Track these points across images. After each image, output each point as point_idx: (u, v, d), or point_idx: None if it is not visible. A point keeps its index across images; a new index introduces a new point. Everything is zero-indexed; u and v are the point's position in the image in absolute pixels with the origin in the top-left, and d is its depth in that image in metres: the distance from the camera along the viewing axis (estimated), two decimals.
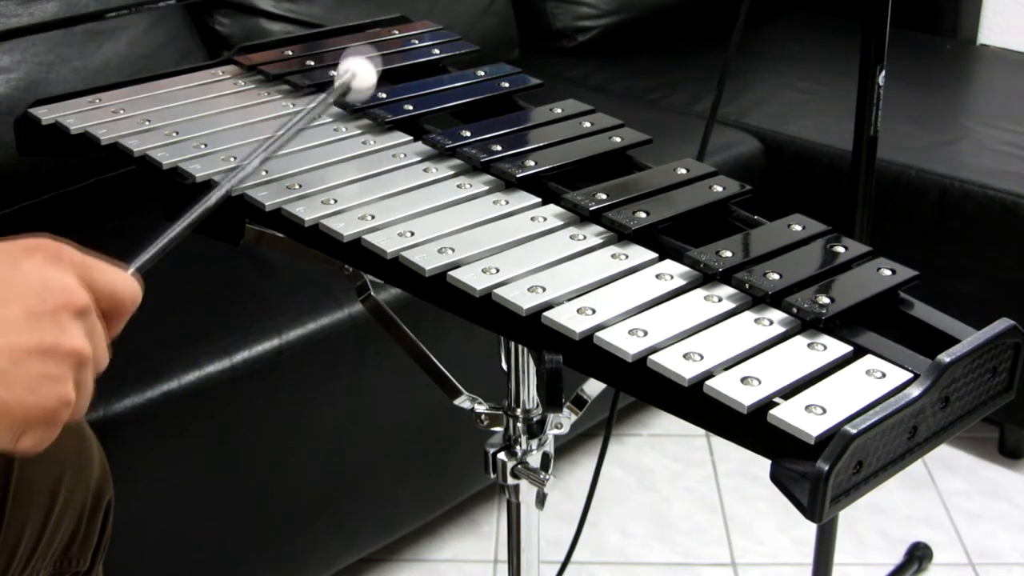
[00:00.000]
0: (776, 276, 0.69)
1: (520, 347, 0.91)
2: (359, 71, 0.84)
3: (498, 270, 0.71)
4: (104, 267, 0.58)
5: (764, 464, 0.59)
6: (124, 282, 0.59)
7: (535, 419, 0.94)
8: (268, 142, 0.77)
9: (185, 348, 1.30)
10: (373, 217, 0.77)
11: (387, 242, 0.75)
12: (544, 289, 0.69)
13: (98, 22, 0.96)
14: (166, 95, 0.98)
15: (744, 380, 0.61)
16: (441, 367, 0.97)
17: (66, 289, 0.55)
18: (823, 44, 2.47)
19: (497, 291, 0.70)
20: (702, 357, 0.63)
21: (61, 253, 0.56)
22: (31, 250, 0.56)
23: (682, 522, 1.81)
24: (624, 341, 0.64)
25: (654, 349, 0.64)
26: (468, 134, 0.88)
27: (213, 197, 0.71)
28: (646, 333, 0.65)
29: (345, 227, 0.76)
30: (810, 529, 1.60)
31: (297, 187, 0.81)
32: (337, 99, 0.84)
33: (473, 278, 0.71)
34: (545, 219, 0.78)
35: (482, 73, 1.01)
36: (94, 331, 0.57)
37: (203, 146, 0.88)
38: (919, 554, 1.71)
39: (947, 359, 0.61)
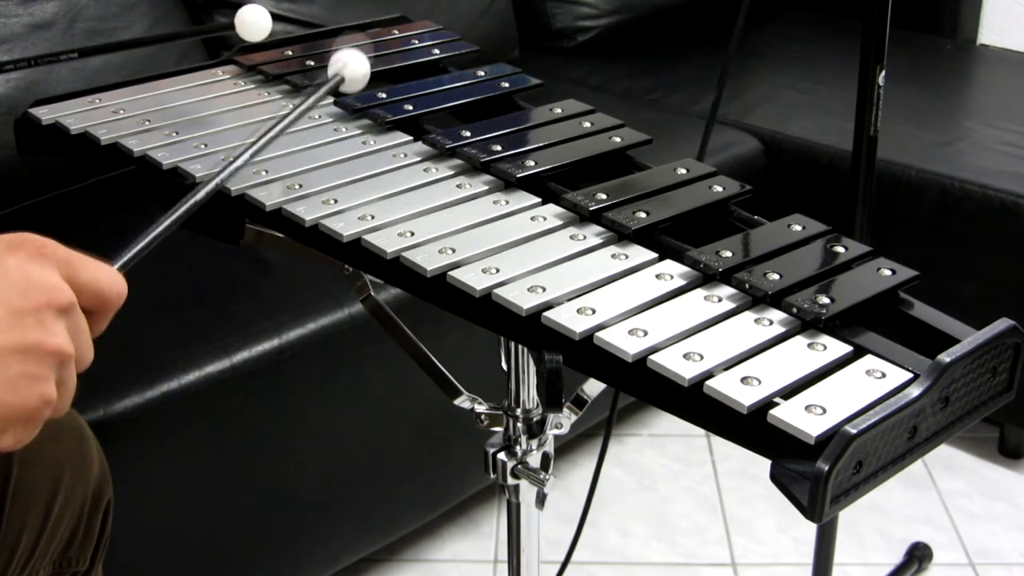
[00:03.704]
0: (776, 276, 0.69)
1: (520, 347, 0.91)
2: (351, 62, 0.85)
3: (498, 270, 0.71)
4: (88, 263, 0.57)
5: (764, 464, 0.59)
6: (109, 278, 0.58)
7: (535, 419, 0.94)
8: (258, 136, 0.76)
9: (185, 348, 1.30)
10: (373, 217, 0.77)
11: (387, 242, 0.75)
12: (544, 289, 0.69)
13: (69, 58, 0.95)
14: (166, 95, 0.98)
15: (744, 380, 0.61)
16: (441, 367, 0.97)
17: (49, 286, 0.54)
18: (823, 44, 2.47)
19: (497, 291, 0.70)
20: (702, 357, 0.63)
21: (44, 249, 0.55)
22: (14, 247, 0.55)
23: (682, 522, 1.81)
24: (624, 341, 0.64)
25: (654, 349, 0.64)
26: (468, 134, 0.88)
27: (201, 192, 0.69)
28: (646, 333, 0.65)
29: (345, 227, 0.76)
30: (810, 529, 1.60)
31: (297, 187, 0.81)
32: (330, 92, 0.84)
33: (473, 278, 0.71)
34: (545, 219, 0.78)
35: (482, 73, 1.01)
36: (77, 328, 0.56)
37: (203, 146, 0.88)
38: (919, 554, 1.71)
39: (947, 359, 0.61)
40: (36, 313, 0.54)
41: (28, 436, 0.55)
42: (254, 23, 0.98)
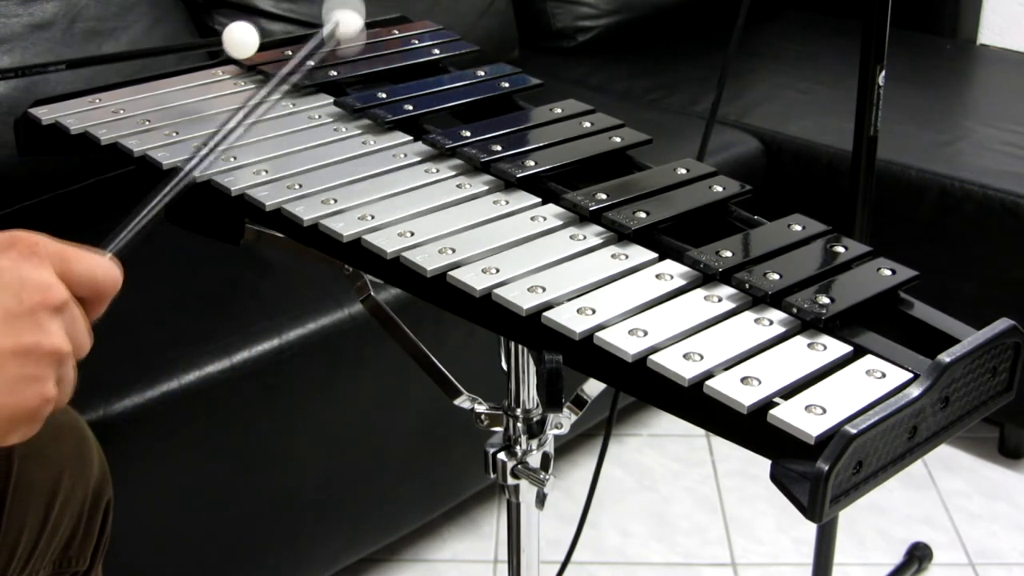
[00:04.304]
0: (776, 276, 0.69)
1: (520, 347, 0.91)
2: (342, 19, 0.84)
3: (498, 270, 0.71)
4: (82, 255, 0.57)
5: (764, 464, 0.59)
6: (103, 267, 0.58)
7: (535, 419, 0.94)
8: (246, 109, 0.75)
9: (185, 348, 1.30)
10: (373, 217, 0.77)
11: (387, 242, 0.75)
12: (544, 289, 0.69)
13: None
14: (166, 95, 0.98)
15: (744, 380, 0.61)
16: (441, 367, 0.97)
17: (43, 286, 0.55)
18: (823, 44, 2.47)
19: (497, 291, 0.70)
20: (702, 357, 0.63)
21: (36, 247, 0.56)
22: (6, 247, 0.55)
23: (682, 522, 1.81)
24: (624, 341, 0.65)
25: (654, 349, 0.64)
26: (468, 134, 0.88)
27: (197, 158, 0.69)
28: (646, 333, 0.65)
29: (345, 227, 0.76)
30: (810, 529, 1.60)
31: (297, 187, 0.81)
32: (318, 50, 0.82)
33: (473, 278, 0.71)
34: (545, 219, 0.78)
35: (482, 73, 1.01)
36: (74, 322, 0.56)
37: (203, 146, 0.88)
38: (919, 554, 1.71)
39: (947, 359, 0.61)
40: (32, 314, 0.54)
41: (31, 432, 0.55)
42: (241, 41, 0.98)
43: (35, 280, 0.55)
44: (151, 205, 0.65)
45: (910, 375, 0.62)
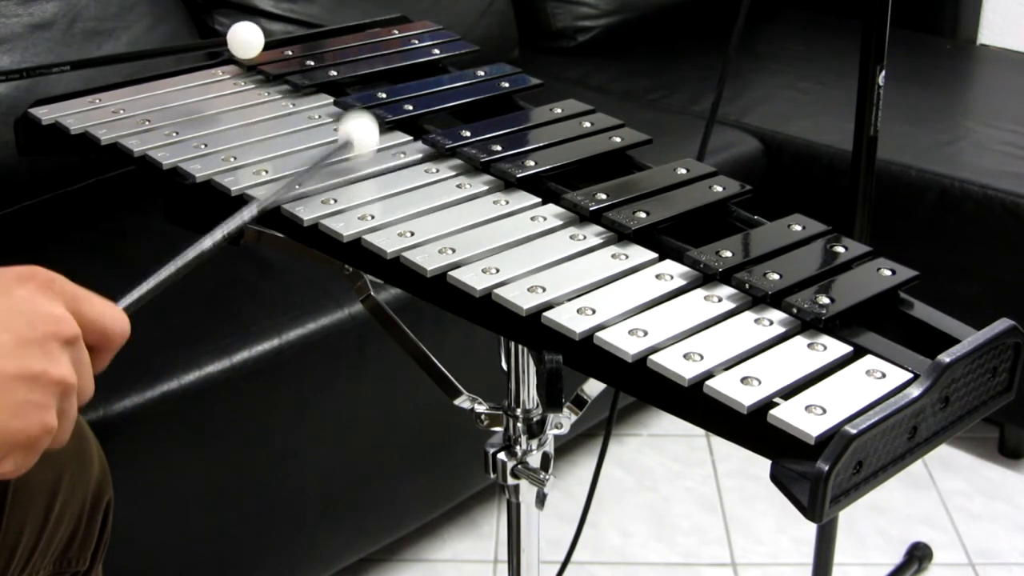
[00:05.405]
0: (776, 276, 0.69)
1: (520, 347, 0.91)
2: (360, 137, 0.83)
3: (498, 270, 0.71)
4: (94, 300, 0.59)
5: (764, 464, 0.59)
6: (113, 316, 0.60)
7: (535, 419, 0.94)
8: (271, 194, 0.75)
9: (185, 348, 1.30)
10: (373, 217, 0.77)
11: (387, 242, 0.75)
12: (544, 289, 0.69)
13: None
14: (166, 95, 0.98)
15: (744, 380, 0.61)
16: (441, 367, 0.97)
17: (56, 318, 0.56)
18: (823, 44, 2.47)
19: (497, 291, 0.70)
20: (702, 357, 0.63)
21: (53, 283, 0.57)
22: (24, 279, 0.56)
23: (682, 522, 1.81)
24: (624, 341, 0.65)
25: (654, 349, 0.64)
26: (468, 134, 0.88)
27: (208, 242, 0.69)
28: (646, 333, 0.65)
29: (345, 227, 0.76)
30: (810, 529, 1.60)
31: (297, 187, 0.81)
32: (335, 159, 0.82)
33: (473, 278, 0.71)
34: (545, 219, 0.78)
35: (482, 73, 1.01)
36: (80, 361, 0.57)
37: (203, 146, 0.88)
38: (919, 554, 1.71)
39: (947, 359, 0.61)
40: (42, 343, 0.55)
41: (27, 463, 0.56)
42: (246, 42, 0.98)
43: (49, 312, 0.56)
44: (170, 272, 0.67)
45: (910, 375, 0.62)
